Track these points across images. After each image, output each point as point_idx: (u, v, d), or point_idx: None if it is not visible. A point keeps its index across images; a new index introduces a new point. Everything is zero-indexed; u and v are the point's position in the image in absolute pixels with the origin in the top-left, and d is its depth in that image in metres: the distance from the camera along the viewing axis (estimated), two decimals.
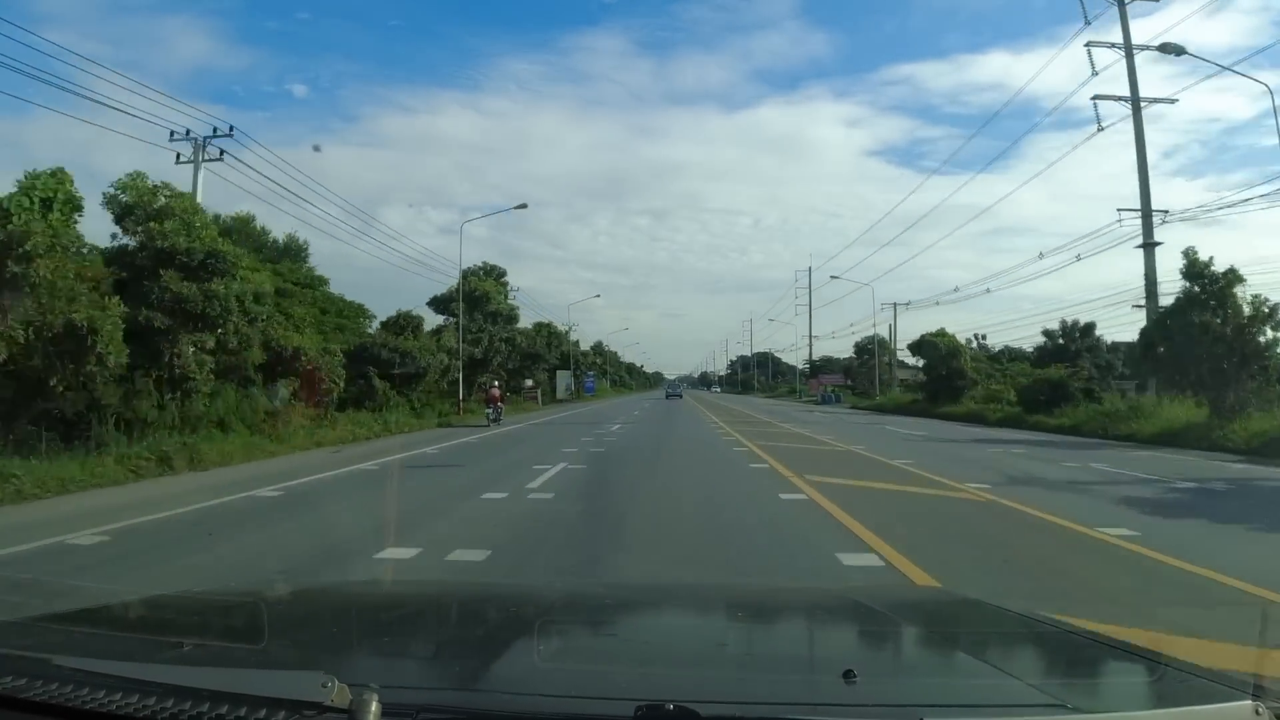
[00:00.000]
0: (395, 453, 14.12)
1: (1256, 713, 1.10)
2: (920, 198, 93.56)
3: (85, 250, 13.24)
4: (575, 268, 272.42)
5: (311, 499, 9.20)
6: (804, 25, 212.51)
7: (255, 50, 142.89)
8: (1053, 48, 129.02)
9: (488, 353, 34.40)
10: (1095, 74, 24.56)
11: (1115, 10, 24.00)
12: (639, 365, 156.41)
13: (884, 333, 55.40)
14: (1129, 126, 24.26)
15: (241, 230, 29.99)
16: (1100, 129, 25.04)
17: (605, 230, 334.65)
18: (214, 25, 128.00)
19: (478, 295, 36.14)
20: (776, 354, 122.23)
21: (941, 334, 40.65)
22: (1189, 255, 19.05)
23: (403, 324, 29.20)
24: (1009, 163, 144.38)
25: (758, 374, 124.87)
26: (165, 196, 14.54)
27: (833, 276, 66.40)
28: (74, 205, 11.60)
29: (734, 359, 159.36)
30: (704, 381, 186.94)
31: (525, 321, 67.42)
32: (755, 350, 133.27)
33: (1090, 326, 45.76)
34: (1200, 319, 18.29)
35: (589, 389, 64.66)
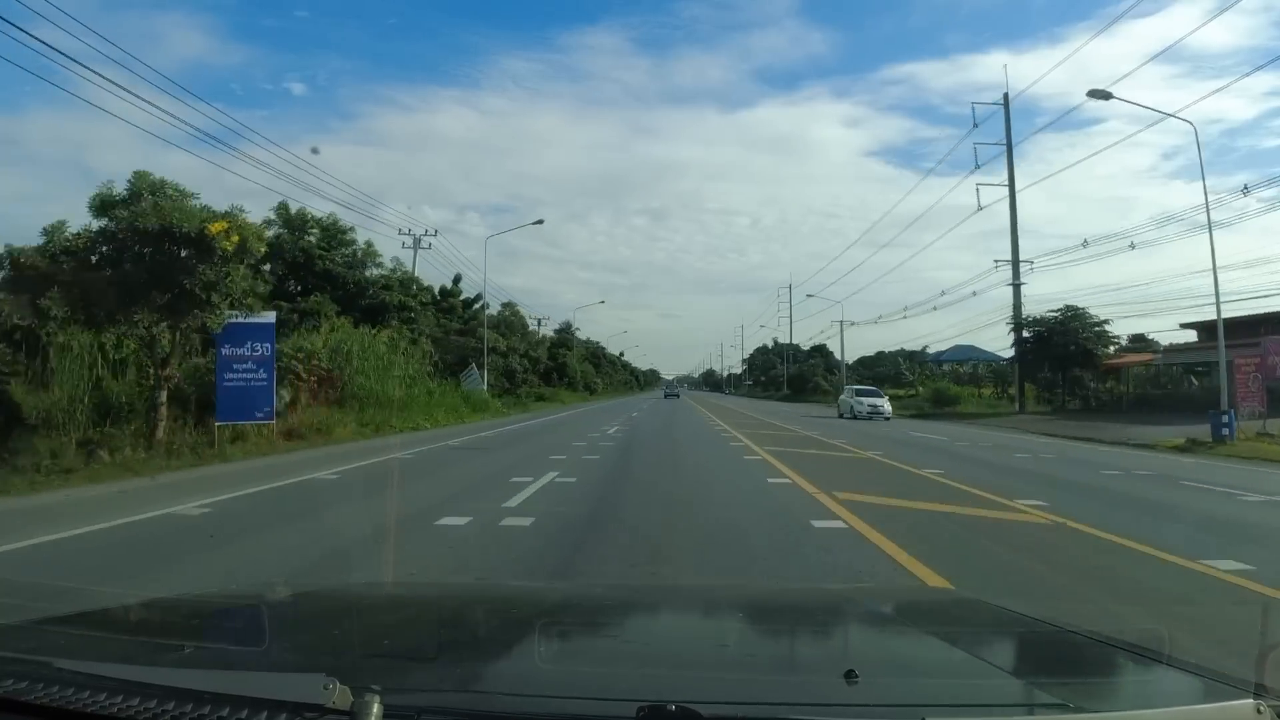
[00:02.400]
0: None
1: (1258, 711, 1.10)
2: (921, 198, 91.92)
3: None
4: (573, 268, 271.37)
5: None
6: (804, 24, 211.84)
7: (253, 48, 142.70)
8: (1053, 47, 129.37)
9: None
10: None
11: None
12: (614, 353, 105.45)
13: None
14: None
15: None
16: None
17: (603, 230, 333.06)
18: (210, 22, 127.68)
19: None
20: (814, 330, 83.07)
21: None
22: None
23: None
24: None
25: (815, 369, 73.57)
26: None
27: (809, 295, 52.73)
28: None
29: (761, 348, 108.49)
30: (710, 382, 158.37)
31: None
32: (785, 339, 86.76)
33: None
34: None
35: None
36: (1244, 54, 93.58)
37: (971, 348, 56.12)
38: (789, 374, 78.74)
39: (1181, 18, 70.85)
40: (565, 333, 67.67)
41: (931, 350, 61.56)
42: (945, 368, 60.21)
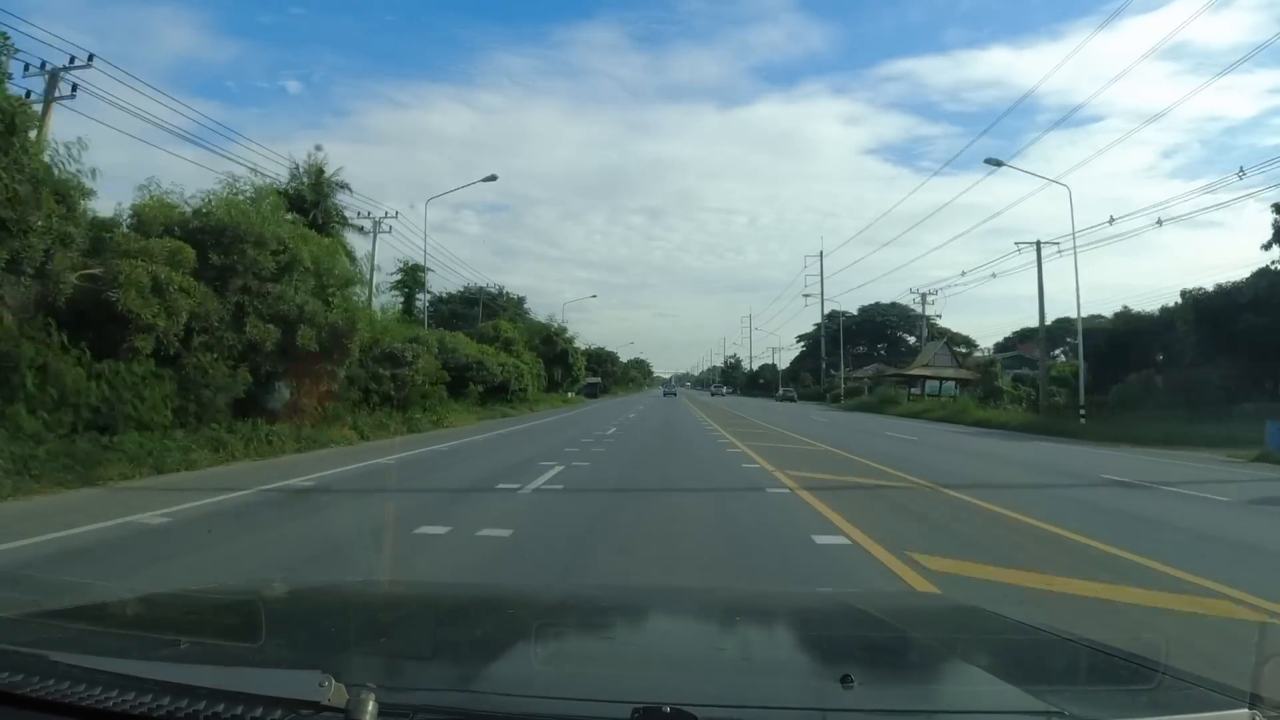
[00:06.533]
0: None
1: None
2: (919, 197, 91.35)
3: None
4: (570, 267, 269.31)
5: None
6: (802, 19, 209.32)
7: (248, 44, 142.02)
8: (1054, 43, 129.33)
9: None
10: None
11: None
12: (556, 324, 53.15)
13: None
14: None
15: None
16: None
17: (600, 229, 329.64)
18: (204, 18, 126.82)
19: None
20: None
21: None
22: None
23: None
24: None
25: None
26: None
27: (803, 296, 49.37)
28: None
29: (818, 329, 72.05)
30: (732, 380, 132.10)
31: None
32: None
33: None
34: None
35: None
36: (1246, 50, 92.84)
37: None
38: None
39: (1183, 13, 70.64)
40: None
41: None
42: None
